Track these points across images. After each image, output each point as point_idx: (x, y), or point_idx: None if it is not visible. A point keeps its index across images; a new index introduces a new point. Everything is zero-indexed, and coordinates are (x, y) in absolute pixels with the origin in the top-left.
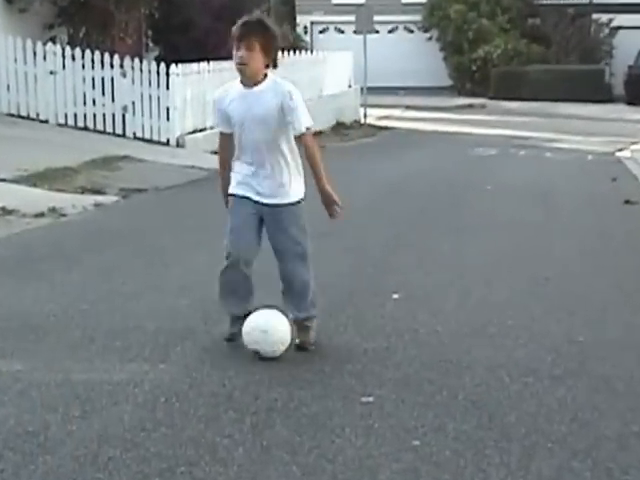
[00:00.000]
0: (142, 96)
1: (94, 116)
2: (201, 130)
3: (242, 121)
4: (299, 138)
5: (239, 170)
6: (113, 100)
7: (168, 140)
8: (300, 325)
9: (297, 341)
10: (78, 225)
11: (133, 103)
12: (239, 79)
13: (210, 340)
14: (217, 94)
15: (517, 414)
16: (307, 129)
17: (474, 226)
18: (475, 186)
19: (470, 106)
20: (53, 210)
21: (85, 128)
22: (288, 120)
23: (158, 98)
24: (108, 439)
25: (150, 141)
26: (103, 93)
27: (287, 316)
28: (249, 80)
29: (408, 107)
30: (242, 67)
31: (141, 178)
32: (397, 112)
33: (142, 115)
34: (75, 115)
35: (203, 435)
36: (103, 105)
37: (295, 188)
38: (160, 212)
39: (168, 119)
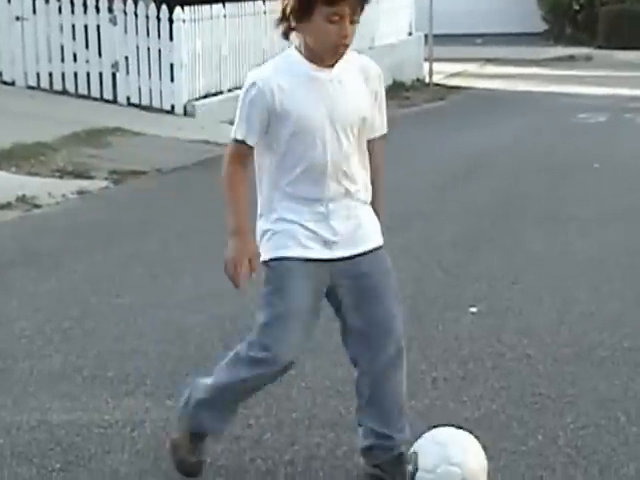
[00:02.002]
0: (138, 50)
1: (75, 76)
2: (216, 94)
3: (317, 124)
4: (373, 142)
5: (286, 215)
6: (100, 55)
7: (173, 107)
8: (390, 455)
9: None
10: (56, 219)
11: (126, 59)
12: (292, 50)
13: None
14: (255, 76)
15: (637, 465)
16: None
17: (577, 217)
18: (579, 164)
19: (571, 58)
20: (23, 199)
21: (64, 92)
22: (374, 116)
23: (159, 52)
24: None
25: (149, 108)
26: (87, 46)
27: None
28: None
29: (488, 61)
30: (343, 51)
31: (137, 157)
32: (473, 67)
33: (138, 75)
34: (50, 75)
35: None
36: (87, 62)
37: (377, 224)
38: (162, 202)
39: (172, 80)
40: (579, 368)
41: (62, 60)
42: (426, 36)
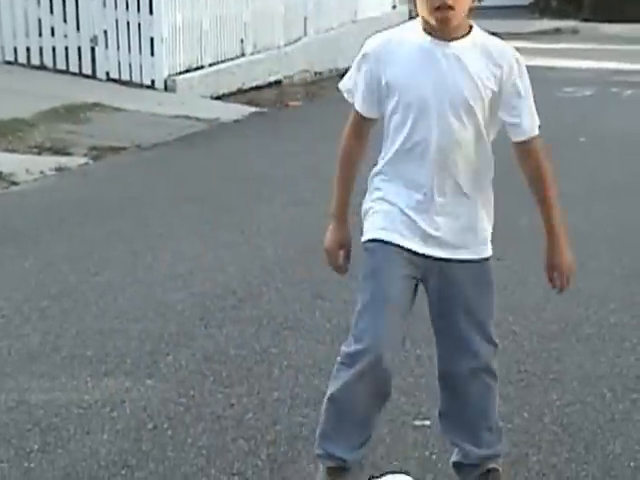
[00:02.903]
0: (117, 23)
1: (53, 51)
2: (197, 69)
3: (424, 101)
4: (521, 146)
5: (387, 195)
6: (79, 29)
7: (153, 82)
8: (479, 470)
9: None
10: (34, 196)
11: (105, 33)
12: (416, 22)
13: (213, 346)
14: (368, 45)
15: (623, 442)
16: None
17: (563, 192)
18: (564, 138)
19: (557, 31)
20: (0, 176)
21: (42, 67)
22: (506, 113)
23: (139, 26)
24: (78, 479)
25: (129, 83)
26: (65, 20)
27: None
28: (447, 32)
29: None
30: (446, 15)
31: (117, 133)
32: None
33: (117, 49)
34: (28, 50)
35: (205, 472)
36: (65, 36)
37: (488, 232)
38: (143, 178)
39: (152, 54)
40: (565, 345)
41: (40, 34)
42: (410, 10)
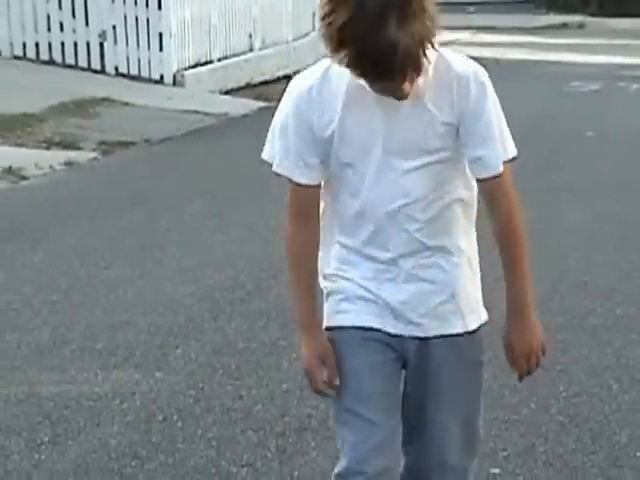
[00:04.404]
0: (126, 19)
1: (62, 46)
2: (205, 63)
3: (368, 152)
4: (486, 185)
5: (340, 269)
6: (87, 24)
7: (162, 77)
8: None
9: None
10: (44, 190)
11: (114, 28)
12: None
13: (222, 339)
14: (298, 86)
15: (629, 432)
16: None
17: (571, 186)
18: (572, 132)
19: (563, 26)
20: (9, 171)
21: (51, 62)
22: (468, 145)
23: (147, 21)
24: (88, 471)
25: (138, 78)
26: (74, 15)
27: None
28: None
29: (480, 29)
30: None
31: (126, 128)
32: (466, 36)
33: (126, 44)
34: (37, 45)
35: (214, 464)
36: (74, 31)
37: (474, 295)
38: (152, 173)
39: (161, 49)
40: (571, 337)
41: (49, 29)
42: None
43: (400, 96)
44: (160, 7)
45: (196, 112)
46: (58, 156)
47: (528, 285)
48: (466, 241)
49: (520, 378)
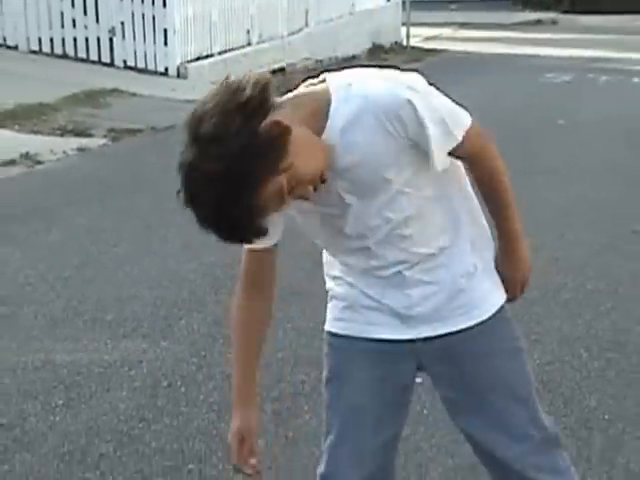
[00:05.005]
0: (133, 16)
1: (75, 41)
2: (207, 57)
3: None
4: (456, 152)
5: (344, 272)
6: (98, 21)
7: (166, 69)
8: None
9: None
10: (58, 174)
11: (122, 24)
12: None
13: (222, 311)
14: None
15: (598, 397)
16: (468, 128)
17: (544, 170)
18: (546, 121)
19: (538, 22)
20: (26, 156)
21: (64, 56)
22: (424, 142)
23: (153, 18)
24: (99, 432)
25: (144, 71)
26: (85, 12)
27: None
28: None
29: (462, 25)
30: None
31: (134, 116)
32: (448, 31)
33: (134, 39)
34: (51, 40)
35: (215, 426)
36: (86, 27)
37: (486, 281)
38: (158, 158)
39: (166, 44)
40: (545, 309)
41: (62, 26)
42: (404, 2)
43: (309, 196)
44: (165, 5)
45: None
46: (71, 142)
47: (517, 223)
48: (464, 226)
49: (513, 300)
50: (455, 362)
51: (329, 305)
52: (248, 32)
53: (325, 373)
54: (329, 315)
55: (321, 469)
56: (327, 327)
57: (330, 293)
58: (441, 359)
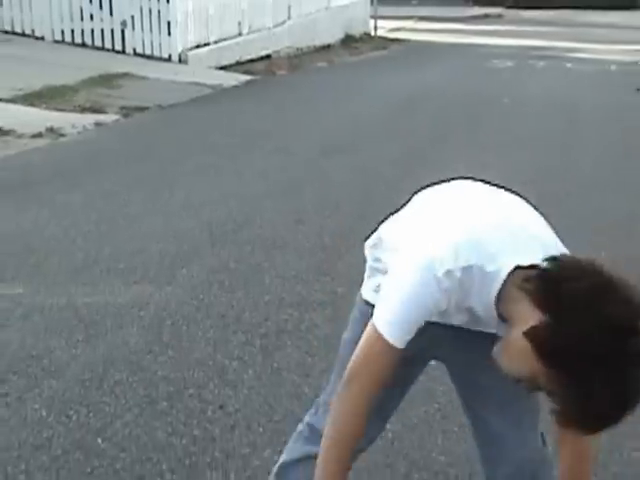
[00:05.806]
0: (142, 10)
1: (92, 32)
2: (204, 45)
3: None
4: None
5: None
6: (112, 15)
7: (170, 56)
8: None
9: None
10: (78, 145)
11: (132, 18)
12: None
13: (217, 261)
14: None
15: None
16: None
17: (491, 142)
18: (492, 100)
19: (486, 16)
20: (51, 130)
21: (83, 44)
22: None
23: (158, 12)
24: (114, 362)
25: (151, 57)
26: (101, 7)
27: None
28: None
29: (421, 18)
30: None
31: (143, 96)
32: (410, 24)
33: (142, 30)
34: (72, 31)
35: (212, 357)
36: (101, 20)
37: None
38: (163, 131)
39: (169, 34)
40: None
41: (81, 19)
42: None
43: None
44: (168, 1)
45: (197, 84)
46: (89, 118)
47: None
48: None
49: None
50: (468, 344)
51: (366, 275)
52: (239, 24)
53: (351, 335)
54: (367, 285)
55: (310, 420)
56: (365, 295)
57: (368, 265)
58: (453, 341)
